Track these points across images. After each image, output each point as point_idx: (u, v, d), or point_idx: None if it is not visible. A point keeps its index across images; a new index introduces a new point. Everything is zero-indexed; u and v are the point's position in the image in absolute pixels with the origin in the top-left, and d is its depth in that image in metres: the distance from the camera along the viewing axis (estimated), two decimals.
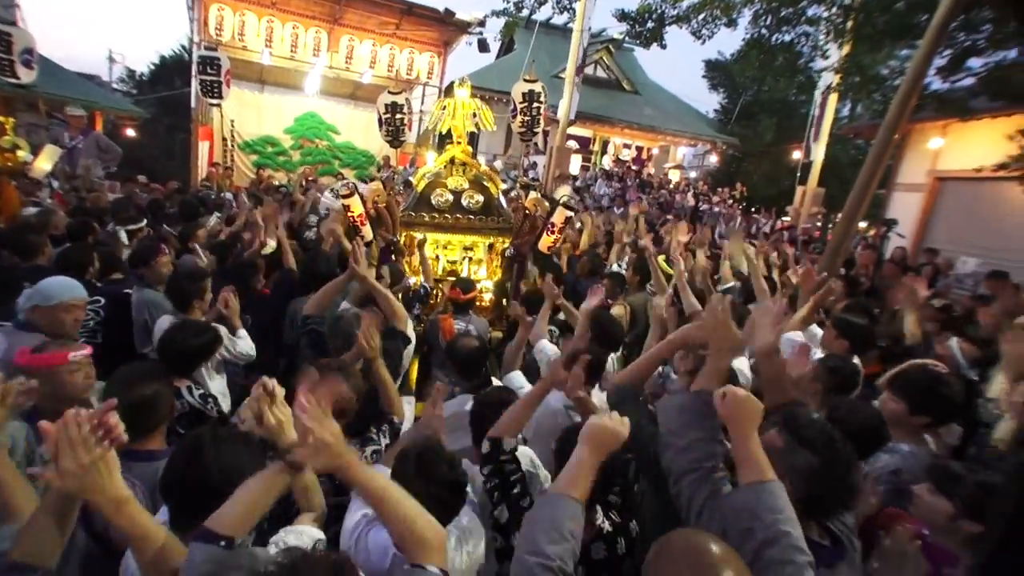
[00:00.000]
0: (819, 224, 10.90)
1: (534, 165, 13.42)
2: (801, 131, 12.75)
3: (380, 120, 5.53)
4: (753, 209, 13.52)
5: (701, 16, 6.87)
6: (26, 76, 5.83)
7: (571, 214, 4.54)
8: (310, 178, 9.46)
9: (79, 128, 7.38)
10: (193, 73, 10.33)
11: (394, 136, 5.69)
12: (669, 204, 13.06)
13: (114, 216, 5.19)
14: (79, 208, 5.19)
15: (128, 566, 1.30)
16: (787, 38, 6.84)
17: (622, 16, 7.68)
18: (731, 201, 13.82)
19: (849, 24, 6.12)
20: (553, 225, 4.40)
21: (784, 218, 12.30)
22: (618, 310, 4.10)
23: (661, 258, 5.02)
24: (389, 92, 5.42)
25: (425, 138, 11.06)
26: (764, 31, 6.74)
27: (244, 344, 2.93)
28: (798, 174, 12.97)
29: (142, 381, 1.79)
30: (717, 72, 22.09)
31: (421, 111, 11.32)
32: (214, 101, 7.79)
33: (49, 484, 1.09)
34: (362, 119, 12.37)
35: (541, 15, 10.37)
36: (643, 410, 1.86)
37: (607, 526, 1.65)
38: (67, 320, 2.45)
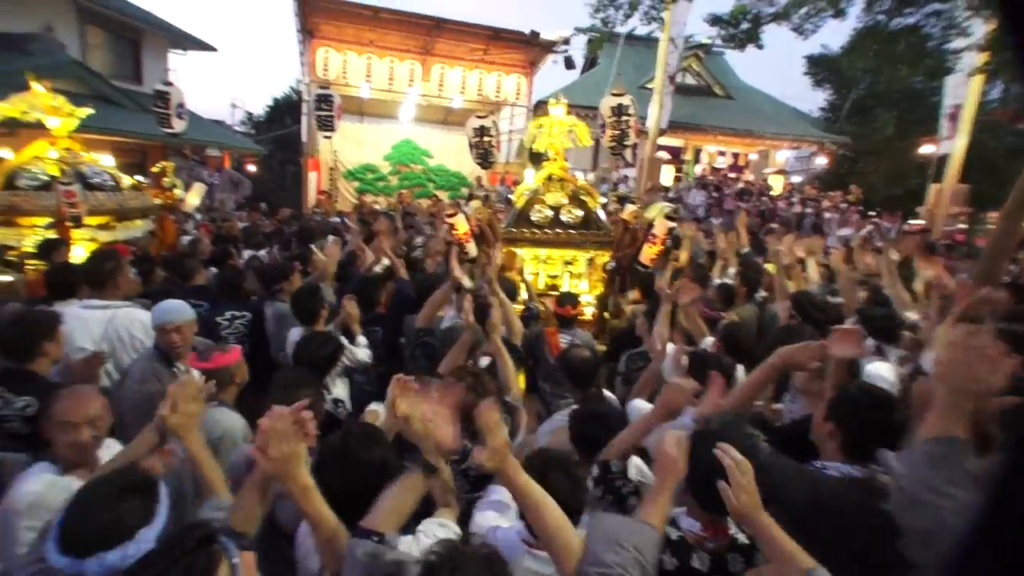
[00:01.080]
0: (962, 226, 9.64)
1: (624, 179, 13.30)
2: (930, 122, 11.50)
3: (470, 143, 5.78)
4: (873, 213, 12.40)
5: (803, 11, 6.50)
6: (179, 126, 6.85)
7: (674, 225, 4.48)
8: (407, 201, 10.05)
9: (216, 167, 8.52)
10: (304, 111, 11.46)
11: (483, 158, 5.89)
12: (772, 212, 12.36)
13: (245, 242, 5.88)
14: (218, 236, 5.94)
15: (300, 545, 1.49)
16: (910, 21, 6.26)
17: (714, 21, 7.49)
18: (844, 205, 12.77)
19: None
20: (655, 236, 4.37)
21: (913, 220, 11.14)
22: None
23: (770, 265, 4.80)
24: (476, 116, 5.65)
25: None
26: (881, 17, 6.23)
27: (363, 352, 3.17)
28: (930, 171, 11.72)
29: (299, 386, 2.03)
30: (821, 68, 20.66)
31: (510, 131, 11.68)
32: (327, 134, 8.57)
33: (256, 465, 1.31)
34: (454, 142, 12.99)
35: (626, 28, 10.37)
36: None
37: (743, 538, 1.61)
38: (163, 341, 2.57)
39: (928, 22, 6.15)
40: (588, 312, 4.47)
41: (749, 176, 16.81)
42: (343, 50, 11.61)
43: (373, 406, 2.63)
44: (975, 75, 7.71)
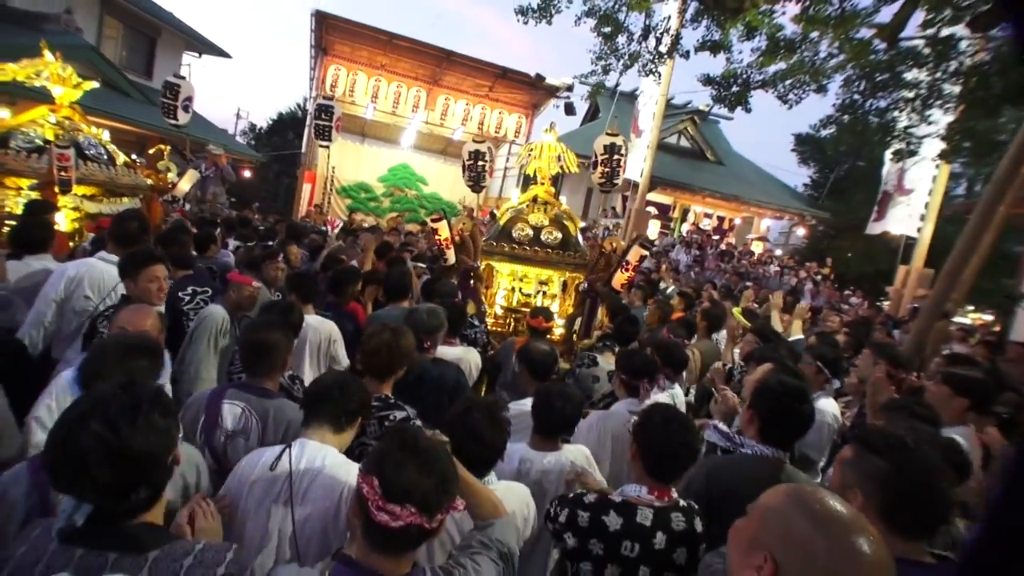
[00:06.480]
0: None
1: (615, 227, 13.73)
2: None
3: (463, 166, 6.04)
4: (848, 290, 13.00)
5: (788, 81, 7.02)
6: (183, 119, 7.09)
7: (646, 253, 4.73)
8: (396, 224, 10.27)
9: (213, 163, 8.74)
10: (308, 122, 11.76)
11: (476, 181, 6.13)
12: (748, 274, 12.83)
13: (229, 230, 5.99)
14: (203, 220, 6.04)
15: None
16: (882, 104, 6.82)
17: (707, 80, 7.99)
18: (819, 277, 13.34)
19: (958, 89, 5.96)
20: (628, 263, 4.59)
21: (883, 300, 11.69)
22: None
23: (737, 310, 5.06)
24: (474, 140, 5.94)
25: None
26: (857, 96, 6.76)
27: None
28: (899, 253, 12.43)
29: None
30: (807, 146, 21.92)
31: (506, 167, 12.08)
32: (324, 143, 8.81)
33: None
34: (450, 173, 13.36)
35: (625, 85, 10.97)
36: None
37: (683, 503, 1.78)
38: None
39: (897, 106, 6.69)
40: (557, 332, 4.63)
41: (732, 239, 17.44)
42: (354, 70, 12.09)
43: None
44: (939, 160, 8.28)
